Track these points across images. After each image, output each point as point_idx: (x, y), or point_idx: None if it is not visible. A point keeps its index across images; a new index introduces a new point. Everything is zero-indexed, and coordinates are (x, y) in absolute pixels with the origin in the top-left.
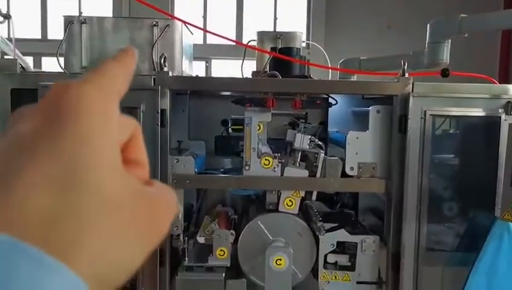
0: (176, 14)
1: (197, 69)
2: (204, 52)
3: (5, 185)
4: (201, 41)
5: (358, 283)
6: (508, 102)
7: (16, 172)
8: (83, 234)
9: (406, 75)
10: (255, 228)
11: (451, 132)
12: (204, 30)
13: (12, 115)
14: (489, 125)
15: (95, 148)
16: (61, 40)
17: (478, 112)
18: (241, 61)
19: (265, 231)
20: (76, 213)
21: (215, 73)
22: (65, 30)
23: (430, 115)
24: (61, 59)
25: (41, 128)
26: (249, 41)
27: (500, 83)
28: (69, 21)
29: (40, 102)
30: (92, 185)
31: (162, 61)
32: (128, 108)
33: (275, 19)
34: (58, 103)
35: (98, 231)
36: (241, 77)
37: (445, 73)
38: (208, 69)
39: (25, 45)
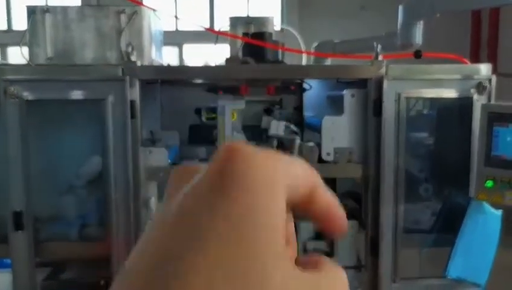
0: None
1: (170, 54)
2: (176, 38)
3: (179, 272)
4: (173, 28)
5: None
6: (479, 82)
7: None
8: None
9: (380, 57)
10: None
11: (425, 112)
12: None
13: (176, 173)
14: (463, 106)
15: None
16: (25, 31)
17: (451, 93)
18: (214, 45)
19: None
20: None
21: (189, 58)
22: (28, 20)
23: (405, 97)
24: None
25: (208, 200)
26: (220, 28)
27: (472, 63)
28: (31, 10)
29: (208, 165)
30: (259, 276)
31: (130, 50)
32: (96, 100)
33: (248, 2)
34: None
35: None
36: (213, 64)
37: (418, 54)
38: (180, 54)
39: None
